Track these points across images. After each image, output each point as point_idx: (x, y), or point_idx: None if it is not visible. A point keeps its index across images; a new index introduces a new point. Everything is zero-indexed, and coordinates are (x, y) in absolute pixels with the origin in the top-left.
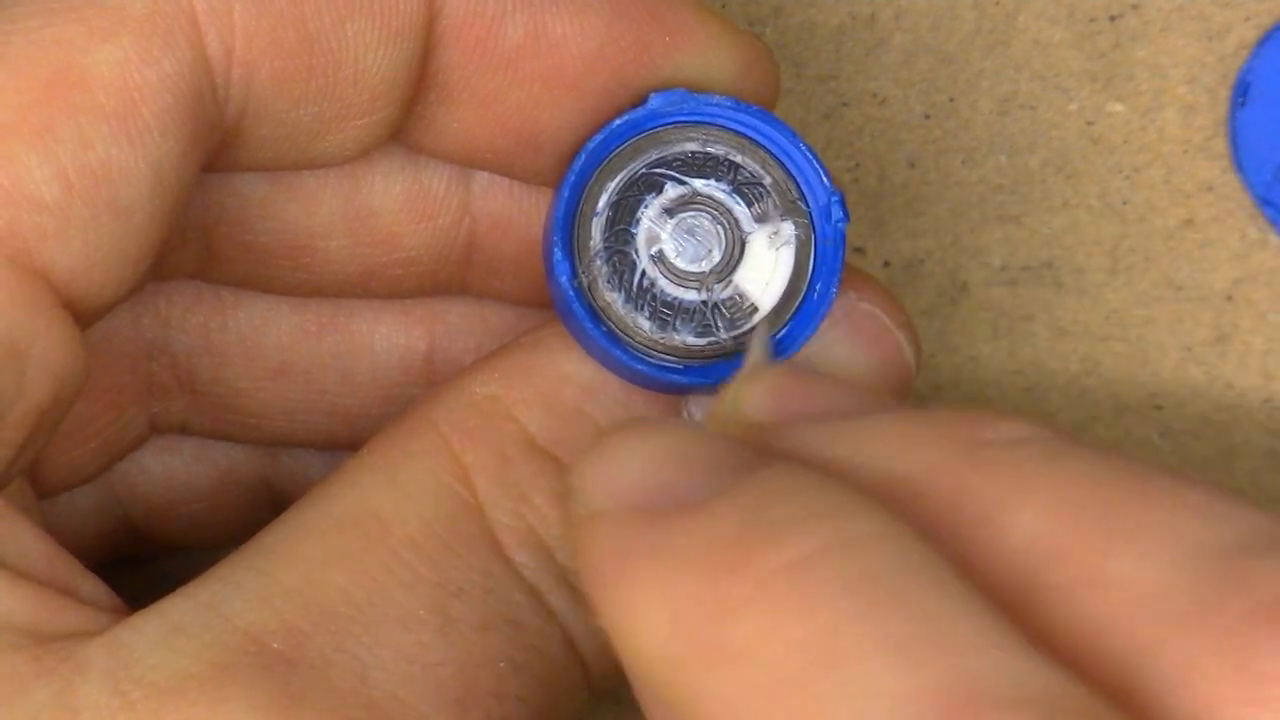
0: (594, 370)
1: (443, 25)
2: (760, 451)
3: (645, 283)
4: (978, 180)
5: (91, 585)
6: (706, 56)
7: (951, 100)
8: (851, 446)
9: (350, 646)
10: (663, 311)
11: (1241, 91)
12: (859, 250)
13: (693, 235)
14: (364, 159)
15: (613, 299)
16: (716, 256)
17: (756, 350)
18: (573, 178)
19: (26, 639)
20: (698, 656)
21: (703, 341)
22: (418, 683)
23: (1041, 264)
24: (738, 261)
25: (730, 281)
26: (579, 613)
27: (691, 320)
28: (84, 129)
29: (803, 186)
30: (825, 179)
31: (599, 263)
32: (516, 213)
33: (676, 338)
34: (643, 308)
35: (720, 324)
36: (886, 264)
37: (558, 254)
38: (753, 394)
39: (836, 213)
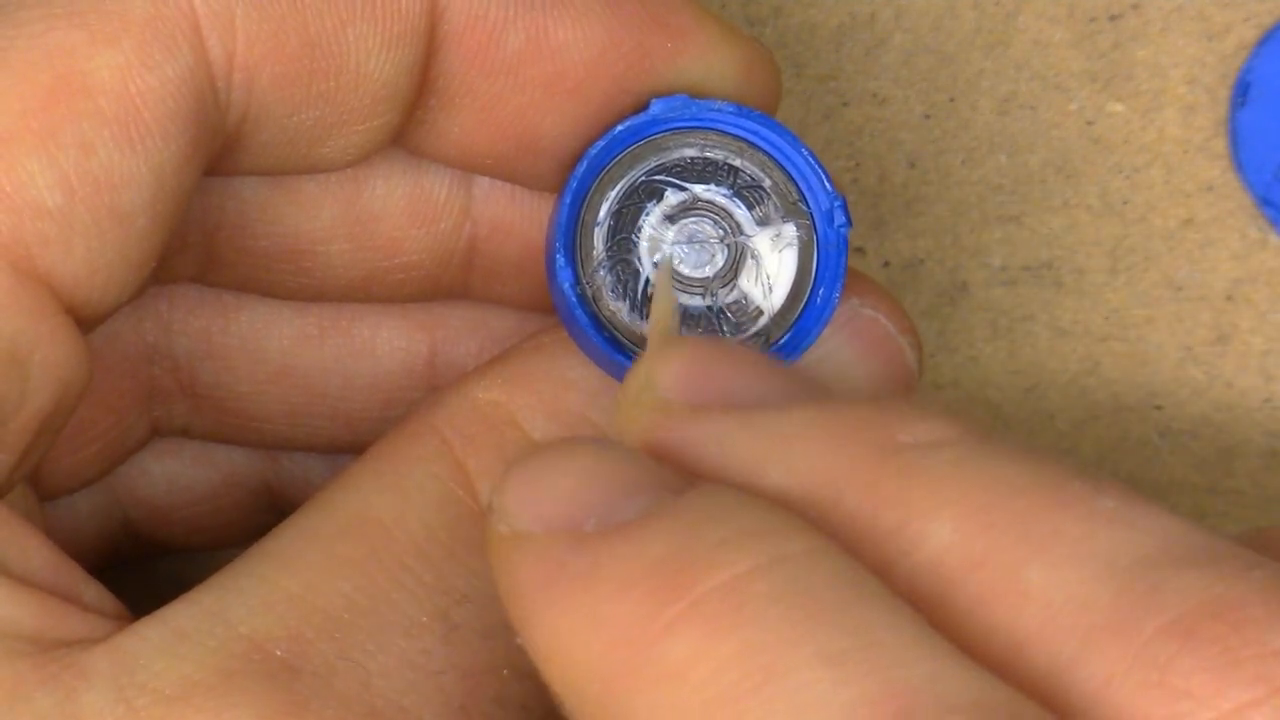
0: (597, 376)
1: (444, 30)
2: (687, 467)
3: (650, 291)
4: (978, 180)
5: (95, 592)
6: (708, 61)
7: (951, 100)
8: (768, 447)
9: (354, 653)
10: None
11: (1241, 91)
12: (859, 250)
13: (695, 241)
14: (365, 163)
15: (618, 308)
16: (720, 261)
17: (662, 297)
18: (575, 184)
19: (30, 646)
20: (631, 677)
21: None
22: (421, 690)
23: (1041, 264)
24: (741, 266)
25: (734, 286)
26: None
27: (697, 326)
28: (86, 134)
29: (804, 191)
30: (827, 184)
31: (602, 272)
32: (518, 217)
33: None
34: (647, 315)
35: (725, 328)
36: (886, 264)
37: (560, 260)
38: (667, 371)
39: (839, 217)
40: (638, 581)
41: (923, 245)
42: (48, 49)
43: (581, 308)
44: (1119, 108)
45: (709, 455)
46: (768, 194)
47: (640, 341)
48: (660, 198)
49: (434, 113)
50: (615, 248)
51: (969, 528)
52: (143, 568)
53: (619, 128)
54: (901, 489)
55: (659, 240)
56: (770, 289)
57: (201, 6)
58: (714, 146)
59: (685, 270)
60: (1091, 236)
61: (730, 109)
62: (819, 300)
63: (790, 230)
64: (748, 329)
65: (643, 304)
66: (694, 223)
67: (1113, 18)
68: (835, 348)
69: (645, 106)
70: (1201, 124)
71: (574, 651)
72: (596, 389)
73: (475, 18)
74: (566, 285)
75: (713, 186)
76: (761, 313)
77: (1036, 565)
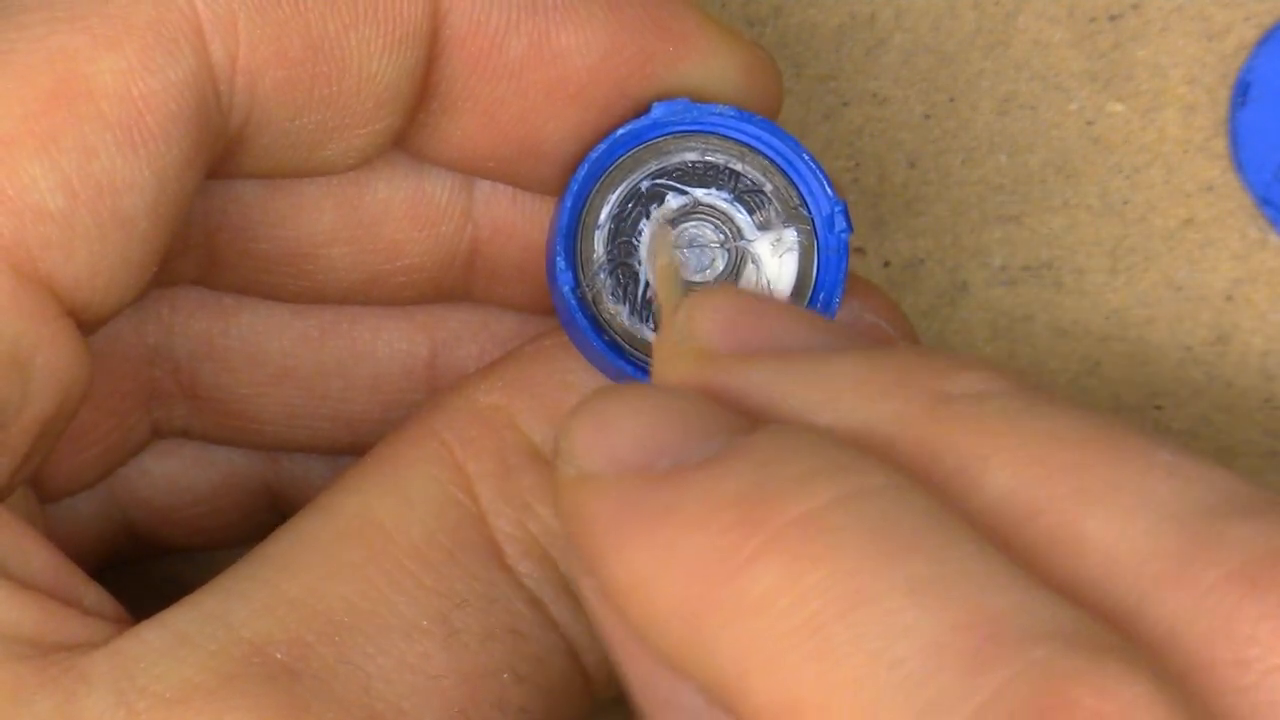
0: (597, 379)
1: (446, 34)
2: (743, 412)
3: (650, 294)
4: (978, 180)
5: (95, 595)
6: (709, 66)
7: (951, 100)
8: (816, 393)
9: (354, 657)
10: None
11: (1241, 91)
12: (859, 251)
13: (695, 245)
14: (367, 167)
15: (617, 311)
16: (720, 266)
17: (664, 249)
18: (576, 187)
19: (30, 649)
20: (714, 610)
21: None
22: (421, 694)
23: (1041, 264)
24: (741, 270)
25: None
26: (582, 623)
27: None
28: (88, 138)
29: (805, 196)
30: (829, 189)
31: (603, 276)
32: (519, 220)
33: None
34: (648, 319)
35: None
36: (886, 264)
37: (561, 264)
38: (704, 318)
39: (840, 223)
40: (717, 516)
41: (923, 245)
42: (50, 52)
43: (582, 311)
44: (1119, 108)
45: (760, 402)
46: (769, 199)
47: (641, 345)
48: (661, 201)
49: (436, 116)
50: (616, 251)
51: (1026, 476)
52: (143, 569)
53: (620, 131)
54: (955, 437)
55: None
56: (771, 294)
57: (204, 10)
58: (715, 151)
59: (686, 274)
60: (1091, 236)
61: (732, 113)
62: (820, 305)
63: (791, 235)
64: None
65: (643, 307)
66: (695, 227)
67: (1113, 18)
68: None
69: (646, 110)
70: (1201, 124)
71: (654, 588)
72: None
73: (477, 22)
74: (567, 288)
75: (714, 191)
76: None
77: (1097, 515)
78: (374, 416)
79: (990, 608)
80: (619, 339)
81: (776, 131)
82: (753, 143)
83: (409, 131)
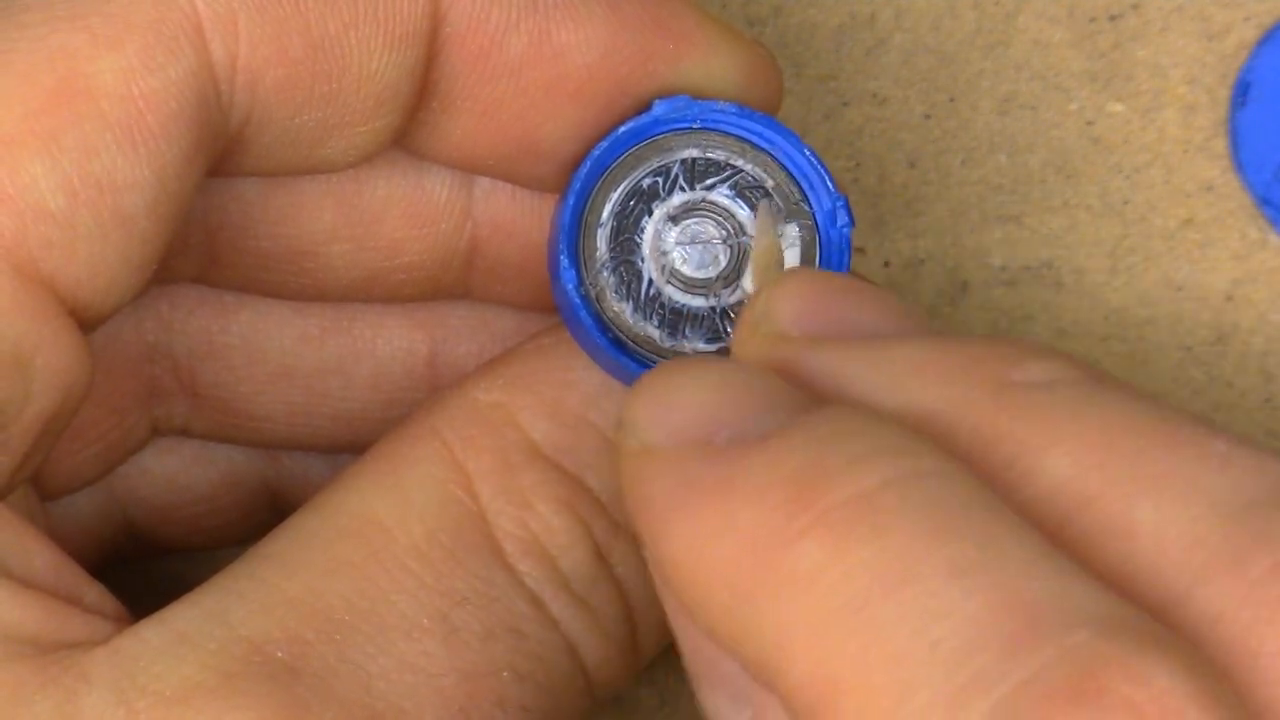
0: (598, 377)
1: (446, 32)
2: (808, 391)
3: (653, 291)
4: (978, 180)
5: (96, 593)
6: (710, 64)
7: (951, 100)
8: (880, 377)
9: (354, 656)
10: (672, 319)
11: (1241, 91)
12: (859, 250)
13: (698, 242)
14: (367, 165)
15: (621, 309)
16: (723, 262)
17: (762, 234)
18: (578, 185)
19: (31, 648)
20: (760, 583)
21: (713, 347)
22: (421, 693)
23: (1041, 264)
24: (743, 266)
25: (737, 286)
26: (582, 621)
27: (701, 326)
28: (89, 137)
29: (806, 191)
30: (830, 184)
31: (605, 273)
32: (519, 218)
33: (687, 344)
34: (651, 316)
35: (730, 329)
36: (887, 264)
37: (564, 261)
38: (785, 302)
39: (842, 218)
40: (770, 491)
41: (923, 245)
42: (50, 51)
43: (585, 309)
44: (1119, 108)
45: (826, 383)
46: (770, 194)
47: (644, 342)
48: (663, 198)
49: (435, 114)
50: (618, 249)
51: (1083, 464)
52: (143, 568)
53: (621, 129)
54: (1016, 424)
55: (662, 241)
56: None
57: (204, 9)
58: (716, 147)
59: (688, 271)
60: (1091, 236)
61: (732, 110)
62: None
63: (793, 230)
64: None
65: (645, 304)
66: (696, 223)
67: (1113, 18)
68: None
69: (647, 108)
70: (1201, 124)
71: (704, 559)
72: (597, 390)
73: (477, 20)
74: (570, 286)
75: (715, 187)
76: None
77: (1149, 503)
78: (374, 415)
79: (1031, 592)
80: (622, 336)
81: (777, 127)
82: (754, 139)
83: (409, 129)
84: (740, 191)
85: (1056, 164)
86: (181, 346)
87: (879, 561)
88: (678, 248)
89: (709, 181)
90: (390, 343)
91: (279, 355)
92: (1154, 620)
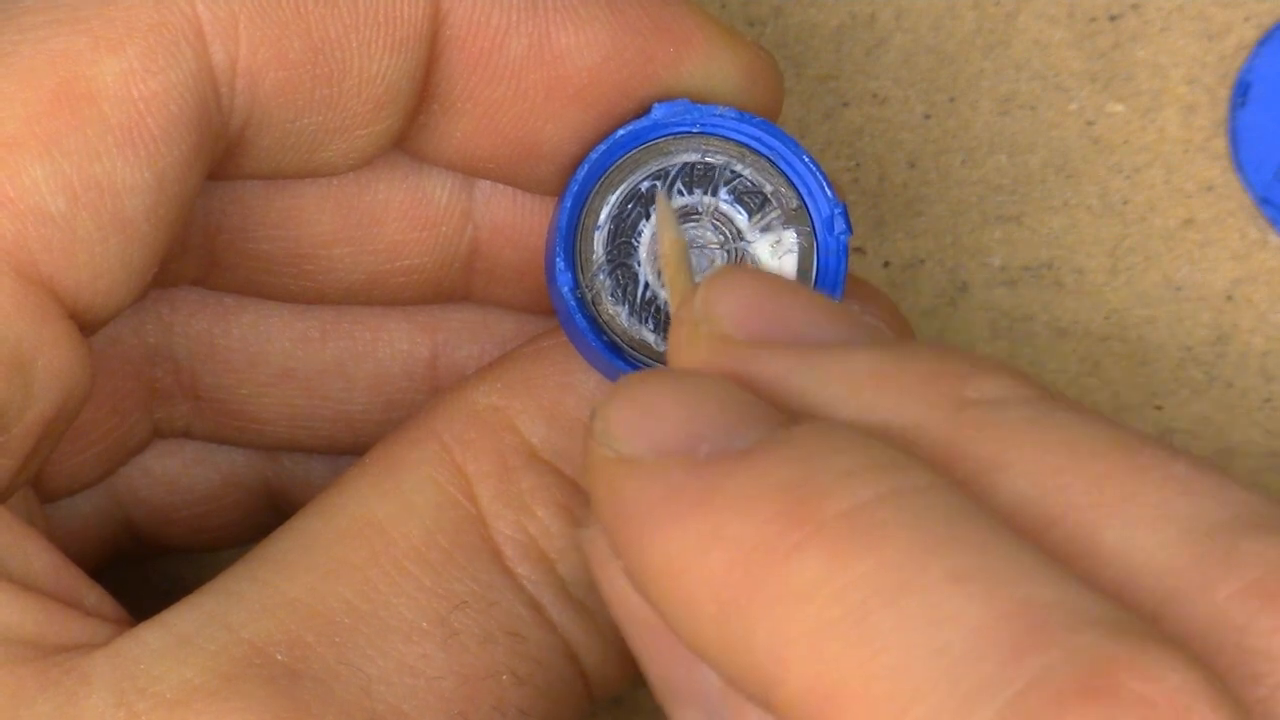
0: (596, 381)
1: (447, 35)
2: (780, 406)
3: (649, 295)
4: (978, 180)
5: (97, 596)
6: (710, 67)
7: (951, 100)
8: (836, 389)
9: (354, 658)
10: (667, 323)
11: (1241, 91)
12: (859, 251)
13: (695, 246)
14: (367, 167)
15: (617, 312)
16: (719, 266)
17: (668, 226)
18: (576, 187)
19: (31, 651)
20: (753, 596)
21: None
22: (421, 696)
23: (1041, 264)
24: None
25: None
26: (580, 624)
27: None
28: (90, 141)
29: (805, 197)
30: (829, 191)
31: (602, 276)
32: (519, 221)
33: None
34: (647, 320)
35: None
36: (886, 264)
37: (560, 264)
38: (723, 303)
39: (840, 225)
40: (762, 504)
41: (923, 245)
42: (51, 54)
43: (581, 311)
44: (1119, 108)
45: (776, 392)
46: (768, 200)
47: (640, 346)
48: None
49: (436, 117)
50: (615, 252)
51: (1044, 485)
52: (143, 569)
53: (620, 132)
54: (974, 442)
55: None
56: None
57: (205, 12)
58: (715, 152)
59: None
60: (1091, 236)
61: (732, 114)
62: None
63: (790, 236)
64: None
65: (642, 308)
66: (694, 228)
67: (1113, 18)
68: None
69: (647, 111)
70: (1201, 124)
71: (690, 572)
72: (595, 394)
73: (477, 23)
74: (566, 289)
75: (714, 192)
76: None
77: (1113, 526)
78: (375, 417)
79: (1033, 597)
80: (618, 340)
81: (776, 133)
82: (753, 144)
83: (409, 132)
84: (739, 196)
85: (1056, 164)
86: (182, 349)
87: (878, 573)
88: (681, 226)
89: (707, 186)
90: (391, 345)
91: (279, 357)
92: (1151, 624)
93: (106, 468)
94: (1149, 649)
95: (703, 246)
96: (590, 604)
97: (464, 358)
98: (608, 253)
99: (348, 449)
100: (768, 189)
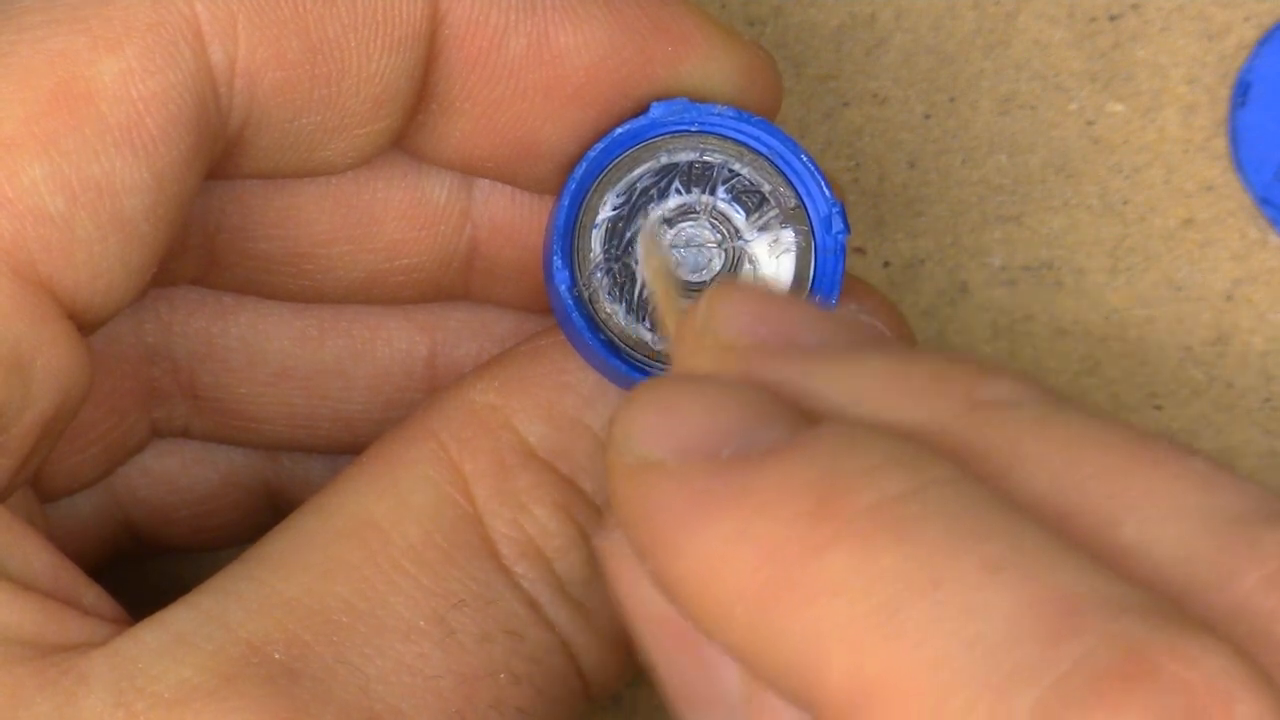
0: (593, 380)
1: (445, 34)
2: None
3: (646, 294)
4: (978, 180)
5: (95, 595)
6: (709, 66)
7: (951, 100)
8: (850, 393)
9: (352, 657)
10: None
11: (1241, 91)
12: (859, 251)
13: (692, 245)
14: (366, 166)
15: (614, 310)
16: (717, 266)
17: (653, 249)
18: (573, 186)
19: (30, 651)
20: (784, 594)
21: None
22: (419, 695)
23: (1041, 264)
24: (738, 271)
25: None
26: (577, 624)
27: None
28: (88, 141)
29: (803, 196)
30: (826, 190)
31: (599, 274)
32: (518, 219)
33: None
34: (644, 318)
35: None
36: (886, 264)
37: (557, 262)
38: (725, 313)
39: (837, 224)
40: (789, 502)
41: (923, 245)
42: (50, 54)
43: (578, 310)
44: (1119, 108)
45: (790, 398)
46: (767, 200)
47: (637, 345)
48: (658, 201)
49: (434, 117)
50: (612, 250)
51: (1061, 480)
52: (143, 568)
53: (618, 130)
54: (989, 440)
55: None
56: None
57: (204, 12)
58: (713, 151)
59: (682, 274)
60: (1091, 236)
61: (730, 114)
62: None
63: (788, 236)
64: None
65: (639, 307)
66: (692, 226)
67: (1113, 18)
68: None
69: (645, 110)
70: (1201, 124)
71: (720, 573)
72: (592, 393)
73: (476, 22)
74: (563, 287)
75: (712, 191)
76: None
77: (1132, 520)
78: (373, 416)
79: (1067, 585)
80: (615, 338)
81: (775, 132)
82: (751, 143)
83: (408, 132)
84: (737, 195)
85: (1056, 164)
86: (181, 348)
87: (910, 565)
88: (672, 250)
89: (705, 185)
90: (390, 344)
91: (278, 356)
92: (1180, 608)
93: (105, 467)
94: (1186, 634)
95: (700, 245)
96: (587, 603)
97: (463, 356)
98: (605, 251)
99: (347, 448)
100: (766, 188)
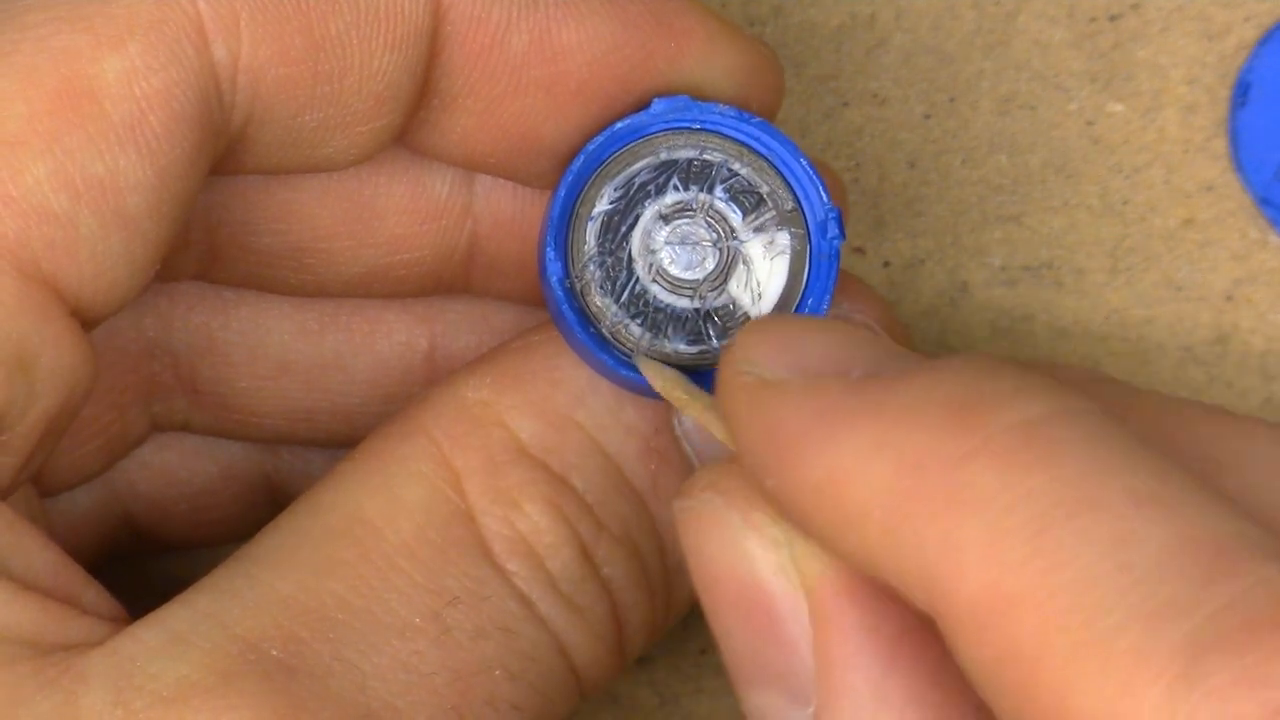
0: (585, 377)
1: (447, 31)
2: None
3: (638, 289)
4: (978, 180)
5: (95, 594)
6: (711, 64)
7: (951, 100)
8: (894, 419)
9: (348, 654)
10: (655, 318)
11: (1241, 91)
12: (859, 250)
13: (687, 242)
14: (368, 162)
15: (605, 304)
16: (710, 264)
17: (657, 376)
18: (570, 178)
19: (29, 650)
20: (923, 502)
21: (694, 349)
22: (414, 692)
23: (1041, 264)
24: (731, 270)
25: (723, 290)
26: (570, 621)
27: (683, 328)
28: (92, 139)
29: (800, 199)
30: (824, 194)
31: (592, 267)
32: (519, 214)
33: (668, 345)
34: (635, 314)
35: (712, 332)
36: (886, 264)
37: (550, 254)
38: (762, 353)
39: (833, 230)
40: (929, 415)
41: (923, 245)
42: (53, 52)
43: (569, 302)
44: (1119, 108)
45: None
46: (764, 201)
47: (626, 339)
48: (656, 197)
49: (436, 112)
50: (607, 243)
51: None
52: (142, 566)
53: (618, 125)
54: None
55: (652, 239)
56: (759, 295)
57: (206, 9)
58: (713, 149)
59: (675, 271)
60: (1091, 236)
61: (731, 113)
62: (807, 311)
63: (784, 238)
64: (734, 334)
65: (630, 302)
66: (687, 224)
67: (1113, 18)
68: None
69: (646, 105)
70: (1201, 124)
71: (855, 481)
72: (584, 389)
73: (478, 19)
74: (555, 279)
75: (710, 189)
76: (749, 319)
77: (1241, 479)
78: (373, 409)
79: (1213, 527)
80: (605, 332)
81: (775, 134)
82: (751, 143)
83: (410, 127)
84: (734, 195)
85: (1056, 164)
86: (181, 342)
87: (1056, 487)
88: (666, 247)
89: (704, 183)
90: (389, 337)
91: (278, 351)
92: None
93: (105, 461)
94: None
95: (695, 243)
96: (579, 600)
97: (462, 349)
98: (599, 244)
99: (346, 442)
100: (764, 189)
